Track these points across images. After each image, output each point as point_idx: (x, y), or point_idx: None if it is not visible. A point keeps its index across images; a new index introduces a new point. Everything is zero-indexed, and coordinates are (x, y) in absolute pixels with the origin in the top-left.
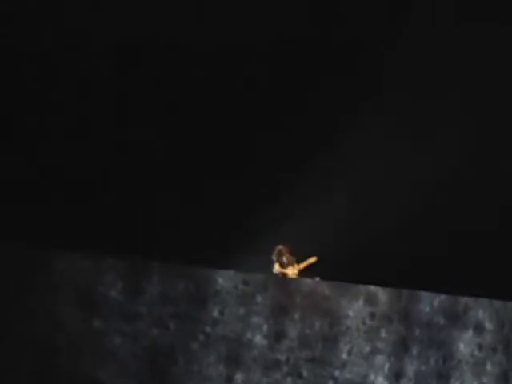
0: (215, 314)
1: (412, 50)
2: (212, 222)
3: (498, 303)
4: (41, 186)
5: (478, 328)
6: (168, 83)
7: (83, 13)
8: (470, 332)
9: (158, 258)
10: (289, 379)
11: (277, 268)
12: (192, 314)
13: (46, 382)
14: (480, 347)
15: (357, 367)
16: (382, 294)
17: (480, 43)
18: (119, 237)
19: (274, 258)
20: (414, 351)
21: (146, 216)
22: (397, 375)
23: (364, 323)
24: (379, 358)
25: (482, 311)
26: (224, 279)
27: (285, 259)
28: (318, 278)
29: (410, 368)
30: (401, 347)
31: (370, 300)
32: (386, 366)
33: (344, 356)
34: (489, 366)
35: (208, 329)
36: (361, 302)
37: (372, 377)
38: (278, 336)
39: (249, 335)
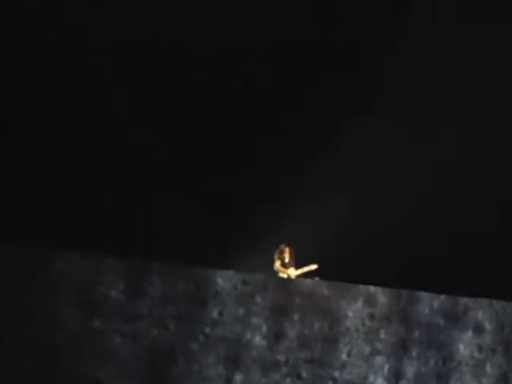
0: (215, 314)
1: (412, 50)
2: (212, 221)
3: (497, 304)
4: (41, 186)
5: (478, 329)
6: (168, 83)
7: (83, 13)
8: (470, 333)
9: (157, 258)
10: (288, 380)
11: (278, 266)
12: (192, 315)
13: (47, 381)
14: (480, 348)
15: (356, 368)
16: (381, 294)
17: (480, 43)
18: (119, 237)
19: (276, 256)
20: (414, 352)
21: (145, 216)
22: (396, 376)
23: (364, 324)
24: (379, 359)
25: (481, 312)
26: (224, 279)
27: (286, 258)
28: (317, 278)
29: (410, 369)
30: (400, 348)
31: (370, 301)
32: (386, 367)
33: (343, 357)
34: (488, 368)
35: (208, 329)
36: (360, 303)
37: (371, 378)
38: (277, 336)
39: (248, 336)
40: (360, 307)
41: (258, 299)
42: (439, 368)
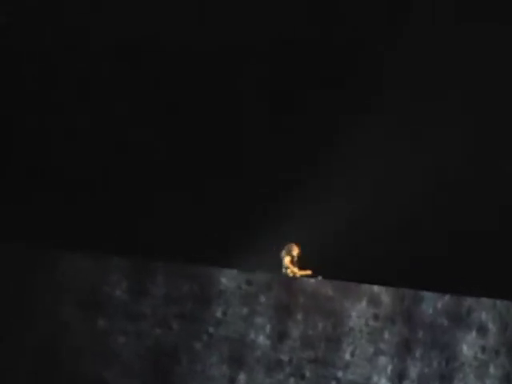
0: (218, 314)
1: (412, 50)
2: (212, 221)
3: (501, 305)
4: (41, 186)
5: (482, 330)
6: (168, 83)
7: (83, 13)
8: (474, 334)
9: (159, 258)
10: (291, 380)
11: (286, 262)
12: (195, 314)
13: (49, 381)
14: (483, 349)
15: (360, 368)
16: (385, 294)
17: (480, 43)
18: (119, 236)
19: (285, 253)
20: (417, 353)
21: (146, 216)
22: (400, 377)
23: (367, 324)
24: (382, 360)
25: (485, 313)
26: (227, 279)
27: (295, 256)
28: (320, 277)
29: (413, 369)
30: (404, 349)
31: (374, 301)
32: (389, 368)
33: (347, 357)
34: (492, 368)
35: (211, 329)
36: (364, 303)
37: (375, 378)
38: (280, 336)
39: (252, 335)
40: (364, 307)
41: (262, 299)
42: (442, 368)
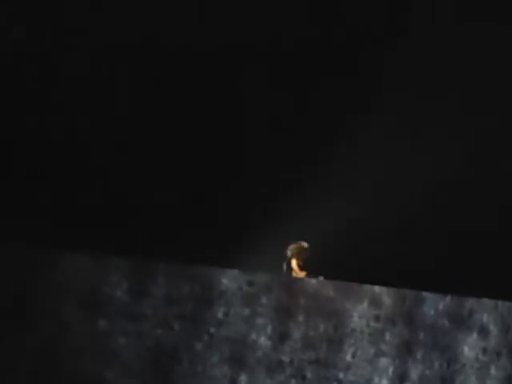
0: (220, 314)
1: (412, 50)
2: (213, 221)
3: (502, 307)
4: (41, 186)
5: (483, 331)
6: (168, 83)
7: (83, 13)
8: (475, 335)
9: (160, 259)
10: (292, 381)
11: (294, 264)
12: (196, 315)
13: (49, 381)
14: (484, 351)
15: (361, 370)
16: (386, 295)
17: (480, 43)
18: (120, 237)
19: (291, 254)
20: (419, 354)
21: (146, 216)
22: (401, 378)
23: (368, 325)
24: (383, 361)
25: (486, 315)
26: (229, 280)
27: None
28: (321, 278)
29: (414, 371)
30: (405, 350)
31: (375, 302)
32: (390, 369)
33: (348, 358)
34: (493, 370)
35: (212, 329)
36: (365, 304)
37: (376, 379)
38: (282, 337)
39: (253, 336)
40: (365, 308)
41: (264, 300)
42: (444, 370)
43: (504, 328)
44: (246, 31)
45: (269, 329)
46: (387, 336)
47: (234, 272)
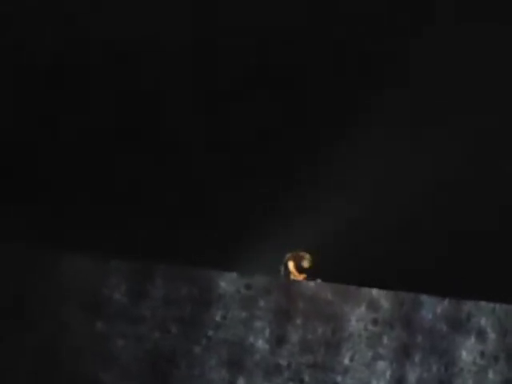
0: (218, 317)
1: (412, 50)
2: (212, 222)
3: (500, 310)
4: (41, 186)
5: (481, 335)
6: (168, 83)
7: (83, 13)
8: (473, 339)
9: (158, 261)
10: None
11: (292, 268)
12: (195, 318)
13: (49, 382)
14: (482, 355)
15: (359, 373)
16: (384, 299)
17: (480, 43)
18: (119, 239)
19: (291, 261)
20: (416, 358)
21: (145, 218)
22: (398, 382)
23: (366, 329)
24: (381, 365)
25: (484, 318)
26: (227, 283)
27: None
28: (319, 280)
29: (412, 375)
30: (403, 354)
31: (373, 305)
32: (388, 373)
33: (346, 362)
34: (491, 374)
35: (210, 332)
36: (363, 308)
37: (374, 383)
38: (279, 341)
39: (251, 339)
40: (363, 312)
41: (262, 303)
42: (441, 374)
43: (502, 332)
44: (246, 31)
45: (267, 332)
46: (385, 339)
47: (232, 275)
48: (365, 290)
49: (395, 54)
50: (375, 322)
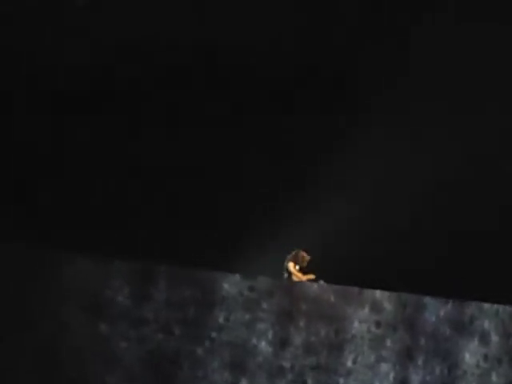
0: (221, 319)
1: (412, 50)
2: (212, 222)
3: (503, 313)
4: (41, 187)
5: (484, 338)
6: (168, 83)
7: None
8: (476, 342)
9: (161, 263)
10: None
11: (291, 268)
12: (198, 320)
13: (49, 382)
14: (485, 358)
15: (362, 375)
16: (387, 301)
17: (480, 43)
18: (122, 241)
19: (291, 261)
20: (420, 360)
21: (148, 220)
22: None
23: (369, 331)
24: (384, 367)
25: (487, 321)
26: (230, 285)
27: (302, 263)
28: (322, 282)
29: (415, 377)
30: (406, 356)
31: (376, 308)
32: (391, 375)
33: (349, 364)
34: (494, 377)
35: (213, 334)
36: (366, 310)
37: None
38: (283, 343)
39: (254, 341)
40: (366, 314)
41: (265, 305)
42: (444, 377)
43: (505, 334)
44: (246, 31)
45: (270, 334)
46: (388, 342)
47: (236, 277)
48: (368, 291)
49: (395, 54)
50: (378, 324)
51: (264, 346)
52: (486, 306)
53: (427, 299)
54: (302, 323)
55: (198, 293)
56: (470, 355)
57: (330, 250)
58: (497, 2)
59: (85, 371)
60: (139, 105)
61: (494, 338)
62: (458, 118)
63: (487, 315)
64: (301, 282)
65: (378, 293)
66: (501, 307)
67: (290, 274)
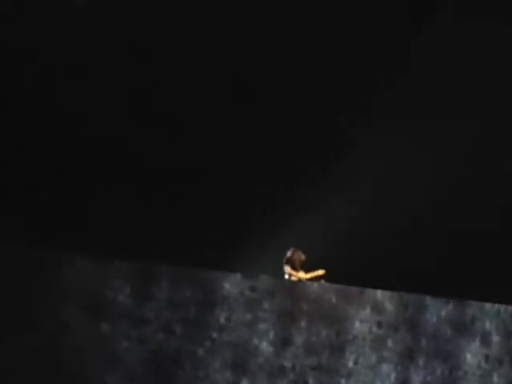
0: (222, 319)
1: (412, 50)
2: (214, 224)
3: (505, 313)
4: (41, 186)
5: (485, 338)
6: (168, 83)
7: (83, 13)
8: (477, 342)
9: (162, 262)
10: None
11: (288, 270)
12: (199, 319)
13: (49, 383)
14: (487, 358)
15: (363, 376)
16: (388, 301)
17: (481, 43)
18: (122, 240)
19: (286, 259)
20: (421, 361)
21: (148, 219)
22: None
23: (371, 332)
24: (385, 368)
25: (488, 322)
26: (231, 285)
27: (297, 264)
28: (322, 281)
29: (416, 378)
30: (407, 357)
31: (377, 308)
32: (393, 376)
33: (350, 364)
34: (495, 378)
35: (215, 334)
36: (368, 310)
37: None
38: (284, 343)
39: (255, 341)
40: (367, 314)
41: (266, 305)
42: (446, 377)
43: (506, 335)
44: (245, 31)
45: (271, 334)
46: (389, 342)
47: (237, 277)
48: (369, 291)
49: (395, 54)
50: (379, 324)
51: (265, 346)
52: (488, 306)
53: (428, 299)
54: (303, 323)
55: (199, 292)
56: (472, 356)
57: (330, 250)
58: (497, 2)
59: (85, 371)
60: (139, 104)
61: (496, 338)
62: (458, 117)
63: (488, 315)
64: (302, 282)
65: (379, 293)
66: (502, 307)
67: (289, 275)
